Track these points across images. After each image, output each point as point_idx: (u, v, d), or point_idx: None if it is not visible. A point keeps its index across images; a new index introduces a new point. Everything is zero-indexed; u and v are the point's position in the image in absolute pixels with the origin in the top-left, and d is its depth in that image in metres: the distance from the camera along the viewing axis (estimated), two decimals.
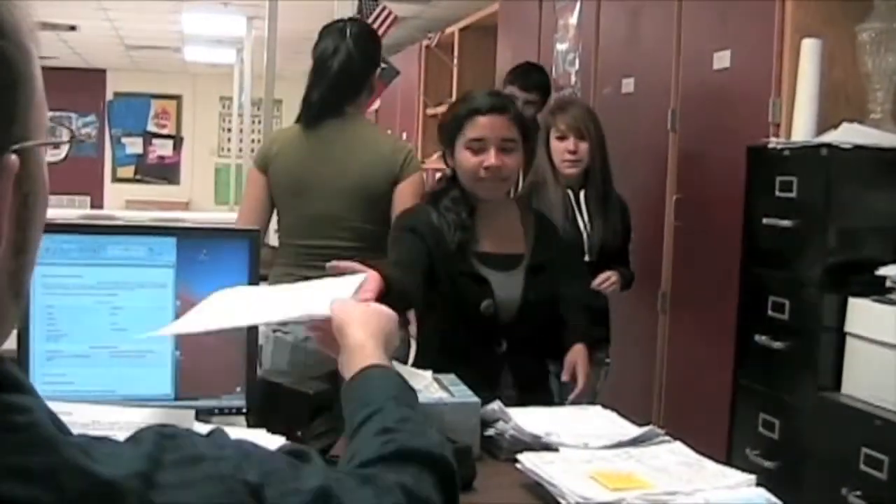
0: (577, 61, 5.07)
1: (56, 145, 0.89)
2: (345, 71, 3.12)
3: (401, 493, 1.03)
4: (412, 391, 1.33)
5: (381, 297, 1.76)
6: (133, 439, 0.84)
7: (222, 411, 1.94)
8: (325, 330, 1.51)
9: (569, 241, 3.29)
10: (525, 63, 4.71)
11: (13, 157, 0.75)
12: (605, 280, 3.52)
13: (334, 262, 1.89)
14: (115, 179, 15.63)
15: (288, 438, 1.74)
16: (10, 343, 1.81)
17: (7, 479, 0.70)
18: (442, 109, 8.32)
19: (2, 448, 0.72)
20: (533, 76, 4.50)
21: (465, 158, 2.55)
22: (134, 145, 15.69)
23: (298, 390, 1.99)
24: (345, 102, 3.13)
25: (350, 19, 3.46)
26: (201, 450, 0.85)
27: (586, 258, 3.55)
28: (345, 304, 1.52)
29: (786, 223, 3.05)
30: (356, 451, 1.16)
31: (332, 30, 3.23)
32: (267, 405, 1.96)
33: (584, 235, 3.55)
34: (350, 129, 3.11)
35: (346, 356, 1.41)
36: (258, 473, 0.87)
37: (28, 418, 0.75)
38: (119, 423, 1.60)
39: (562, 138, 3.53)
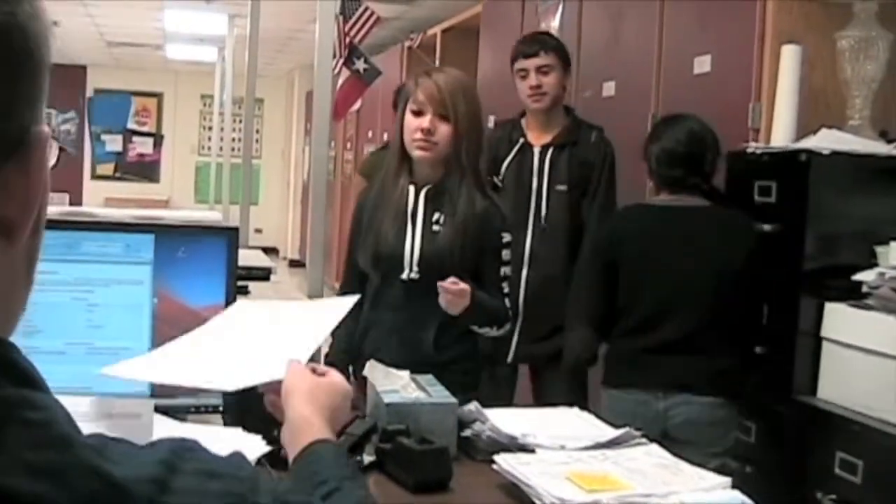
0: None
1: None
2: None
3: None
4: (356, 466, 1.32)
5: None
6: (151, 445, 0.84)
7: (199, 409, 1.93)
8: (277, 392, 1.45)
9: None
10: (523, 36, 4.16)
11: (46, 128, 0.79)
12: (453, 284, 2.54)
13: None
14: (95, 177, 15.58)
15: (264, 438, 1.74)
16: None
17: (17, 475, 0.70)
18: None
19: (15, 443, 0.71)
20: (538, 38, 3.92)
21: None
22: (114, 143, 15.64)
23: None
24: None
25: None
26: (219, 466, 0.85)
27: (404, 274, 2.71)
28: (297, 372, 1.45)
29: (765, 228, 3.06)
30: None
31: None
32: (243, 404, 1.95)
33: (408, 245, 2.74)
34: None
35: (288, 429, 1.37)
36: (271, 499, 0.87)
37: (44, 415, 0.74)
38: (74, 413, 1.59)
39: (417, 113, 2.71)
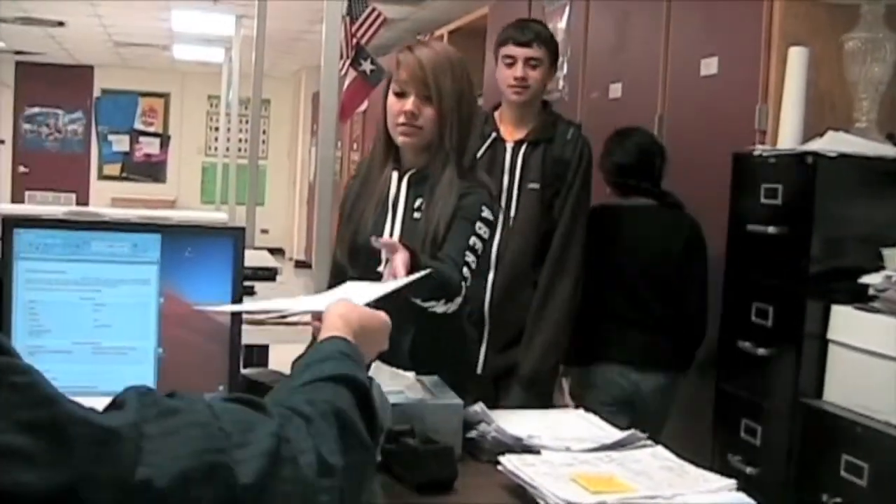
0: (565, 65, 5.08)
1: None
2: None
3: (332, 414, 1.09)
4: (357, 349, 1.35)
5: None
6: (114, 402, 0.94)
7: None
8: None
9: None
10: (516, 20, 3.68)
11: None
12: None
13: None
14: (102, 177, 15.61)
15: None
16: None
17: (16, 433, 0.77)
18: None
19: (7, 406, 0.78)
20: (532, 26, 3.58)
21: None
22: (121, 143, 15.67)
23: None
24: None
25: None
26: (175, 403, 0.95)
27: (381, 267, 2.35)
28: (338, 302, 1.54)
29: (770, 230, 3.06)
30: (282, 385, 1.22)
31: None
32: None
33: (386, 235, 2.49)
34: None
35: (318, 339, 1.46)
36: (227, 421, 0.96)
37: (28, 378, 0.82)
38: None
39: (400, 95, 2.47)
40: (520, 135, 3.44)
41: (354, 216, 2.57)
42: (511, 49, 3.42)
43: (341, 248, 2.59)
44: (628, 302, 3.54)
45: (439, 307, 2.26)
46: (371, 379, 1.28)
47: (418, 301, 2.23)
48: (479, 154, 3.25)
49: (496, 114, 3.52)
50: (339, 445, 1.05)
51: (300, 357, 1.37)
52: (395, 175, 2.54)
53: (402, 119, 2.44)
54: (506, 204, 3.35)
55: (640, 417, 3.26)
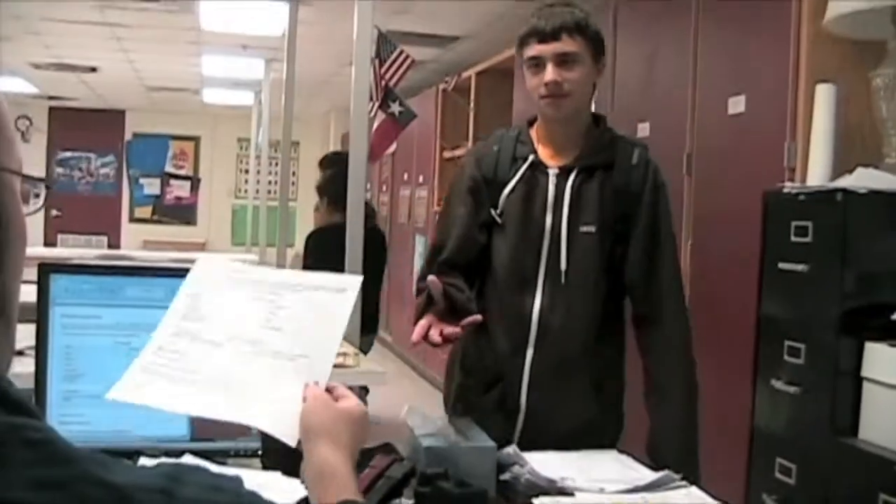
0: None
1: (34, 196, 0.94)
2: None
3: None
4: None
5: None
6: (150, 466, 0.87)
7: (238, 453, 1.94)
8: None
9: None
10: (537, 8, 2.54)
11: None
12: None
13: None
14: (133, 219, 15.75)
15: (303, 481, 1.74)
16: (28, 382, 1.82)
17: (27, 490, 0.74)
18: (458, 152, 8.36)
19: (19, 461, 0.75)
20: (558, 12, 2.46)
21: None
22: (152, 186, 15.81)
23: None
24: None
25: None
26: (222, 483, 0.87)
27: None
28: (316, 404, 1.36)
29: (801, 267, 3.05)
30: None
31: None
32: (282, 447, 1.96)
33: None
34: None
35: (311, 470, 1.31)
36: None
37: (43, 436, 0.78)
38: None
39: None
40: (566, 159, 2.52)
41: None
42: (535, 47, 2.46)
43: None
44: None
45: None
46: None
47: None
48: (512, 184, 2.52)
49: (532, 131, 2.59)
50: None
51: None
52: None
53: None
54: (549, 252, 2.47)
55: None
